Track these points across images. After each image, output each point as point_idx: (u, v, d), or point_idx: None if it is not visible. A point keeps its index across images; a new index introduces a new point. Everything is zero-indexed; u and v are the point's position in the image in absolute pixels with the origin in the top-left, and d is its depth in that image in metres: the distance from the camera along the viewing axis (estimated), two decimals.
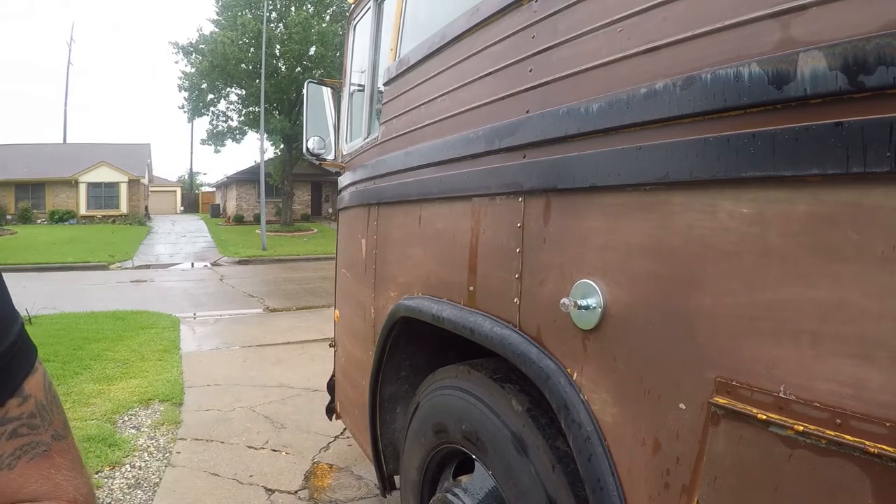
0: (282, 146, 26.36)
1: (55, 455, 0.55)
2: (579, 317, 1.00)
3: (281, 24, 24.47)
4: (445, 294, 1.53)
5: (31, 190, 30.35)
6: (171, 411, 4.09)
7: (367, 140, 2.33)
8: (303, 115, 3.10)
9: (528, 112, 1.18)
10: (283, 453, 3.45)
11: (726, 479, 0.76)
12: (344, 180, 2.63)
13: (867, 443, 0.60)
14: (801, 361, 0.66)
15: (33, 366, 0.56)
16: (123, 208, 30.72)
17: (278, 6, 24.61)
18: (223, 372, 5.09)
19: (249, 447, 3.52)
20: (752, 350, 0.72)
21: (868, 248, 0.61)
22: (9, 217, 28.39)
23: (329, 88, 3.04)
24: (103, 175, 31.00)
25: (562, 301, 1.02)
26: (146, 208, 33.77)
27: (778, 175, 0.68)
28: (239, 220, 30.53)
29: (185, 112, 28.34)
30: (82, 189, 30.92)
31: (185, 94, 26.66)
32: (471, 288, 1.40)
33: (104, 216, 30.48)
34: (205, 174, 69.26)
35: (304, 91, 3.09)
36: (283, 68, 24.35)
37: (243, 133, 28.30)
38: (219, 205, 39.01)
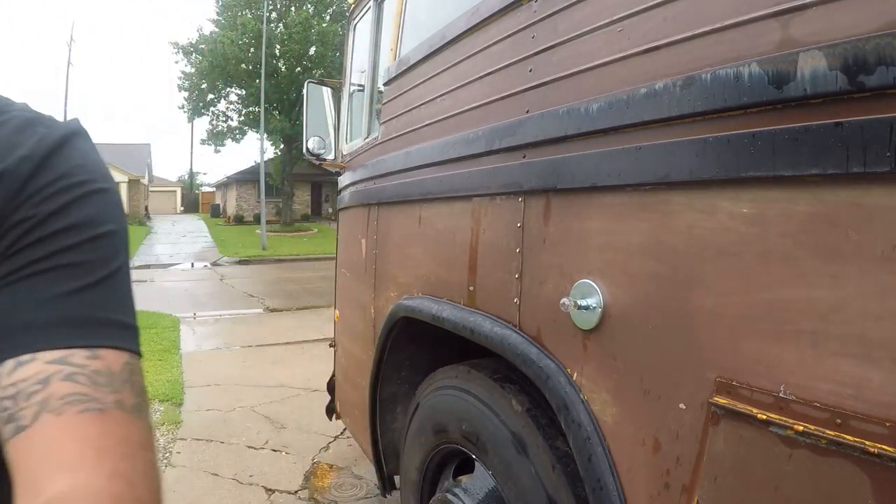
0: (282, 146, 26.35)
1: (111, 421, 0.44)
2: (579, 317, 1.00)
3: (281, 24, 24.47)
4: (445, 294, 1.53)
5: None
6: (171, 411, 4.09)
7: (367, 140, 2.33)
8: (303, 115, 3.10)
9: (527, 112, 1.18)
10: (283, 453, 3.45)
11: (726, 479, 0.76)
12: (344, 180, 2.63)
13: (867, 443, 0.60)
14: (801, 361, 0.67)
15: (124, 347, 0.49)
16: (123, 208, 30.69)
17: (278, 6, 24.61)
18: (223, 372, 5.08)
19: (249, 447, 3.52)
20: (752, 350, 0.72)
21: (868, 248, 0.61)
22: None
23: (329, 88, 3.03)
24: None
25: (562, 301, 1.02)
26: (146, 208, 33.77)
27: (778, 175, 0.68)
28: (239, 220, 30.51)
29: (185, 112, 28.29)
30: None
31: (185, 94, 26.65)
32: (471, 288, 1.40)
33: None
34: (205, 174, 69.43)
35: (304, 91, 3.09)
36: (283, 68, 24.32)
37: (243, 133, 28.28)
38: (219, 205, 39.01)
